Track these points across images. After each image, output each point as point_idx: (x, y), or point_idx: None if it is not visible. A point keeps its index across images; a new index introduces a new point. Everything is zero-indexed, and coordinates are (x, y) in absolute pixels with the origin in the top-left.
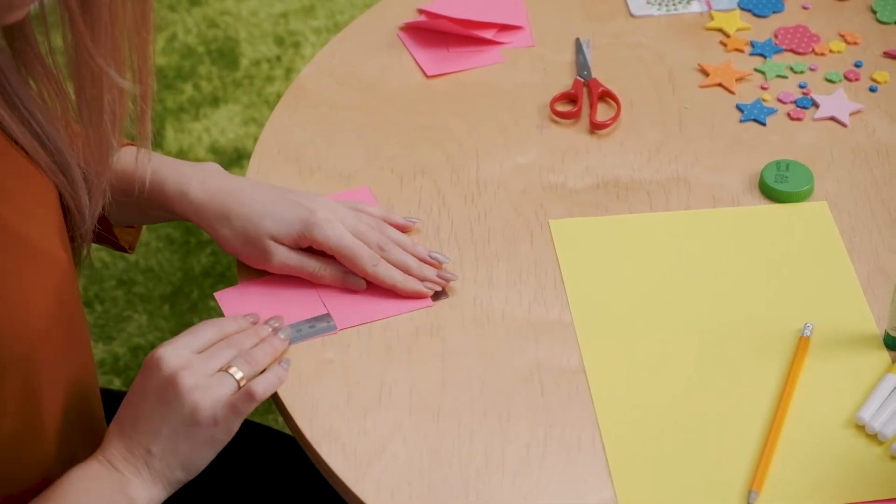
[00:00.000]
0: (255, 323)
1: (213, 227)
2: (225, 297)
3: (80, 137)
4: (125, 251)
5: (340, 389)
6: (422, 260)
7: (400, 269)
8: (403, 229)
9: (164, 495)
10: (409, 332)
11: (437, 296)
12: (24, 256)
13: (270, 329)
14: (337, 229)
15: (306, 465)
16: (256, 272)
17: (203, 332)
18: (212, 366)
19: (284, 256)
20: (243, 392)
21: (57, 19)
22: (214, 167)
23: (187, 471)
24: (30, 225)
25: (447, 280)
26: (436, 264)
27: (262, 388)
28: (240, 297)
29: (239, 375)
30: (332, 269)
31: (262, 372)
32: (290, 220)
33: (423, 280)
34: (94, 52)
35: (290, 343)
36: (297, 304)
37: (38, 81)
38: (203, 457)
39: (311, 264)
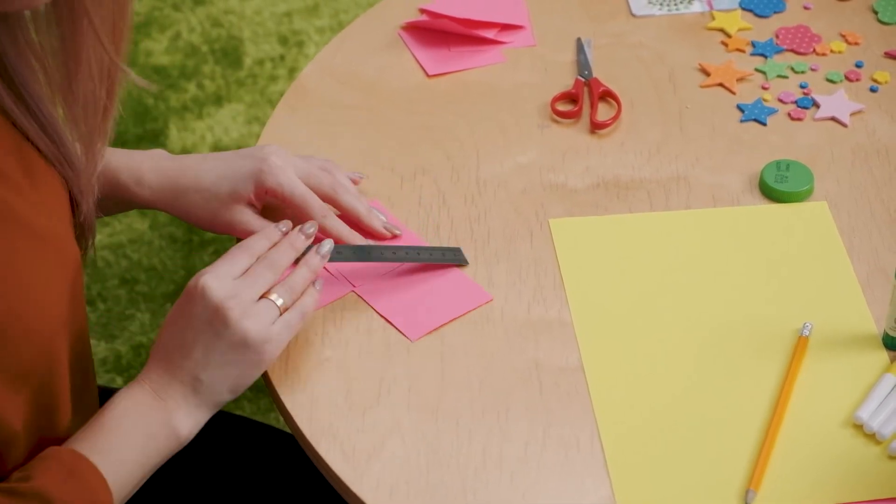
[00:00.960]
0: (286, 232)
1: (175, 206)
2: None
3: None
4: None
5: (339, 388)
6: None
7: (350, 214)
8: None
9: (207, 417)
10: None
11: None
12: (42, 249)
13: (304, 237)
14: (288, 176)
15: (305, 464)
16: None
17: (240, 259)
18: (255, 292)
19: (248, 218)
20: (297, 313)
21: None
22: (161, 152)
23: (234, 392)
24: (45, 218)
25: (392, 233)
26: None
27: (311, 308)
28: None
29: (280, 302)
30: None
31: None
32: (244, 174)
33: (369, 227)
34: (104, 41)
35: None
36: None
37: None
38: (249, 378)
39: (273, 231)
